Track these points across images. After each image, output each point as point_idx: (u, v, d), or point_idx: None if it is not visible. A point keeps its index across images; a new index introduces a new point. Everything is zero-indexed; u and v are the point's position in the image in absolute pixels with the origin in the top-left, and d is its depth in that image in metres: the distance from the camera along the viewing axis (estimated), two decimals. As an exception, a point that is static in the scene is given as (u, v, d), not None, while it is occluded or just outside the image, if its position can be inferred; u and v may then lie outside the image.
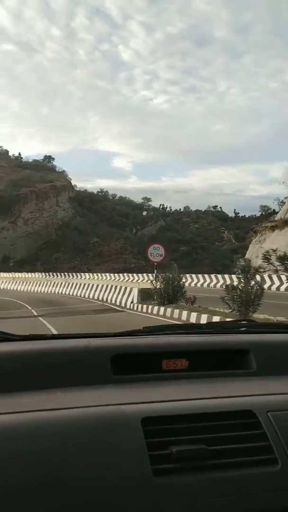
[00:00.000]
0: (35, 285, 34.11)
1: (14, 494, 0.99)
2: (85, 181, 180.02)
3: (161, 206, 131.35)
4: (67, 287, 30.26)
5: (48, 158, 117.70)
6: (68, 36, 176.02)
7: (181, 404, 1.24)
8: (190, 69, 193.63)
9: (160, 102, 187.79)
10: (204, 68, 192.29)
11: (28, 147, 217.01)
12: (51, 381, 1.35)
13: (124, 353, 1.48)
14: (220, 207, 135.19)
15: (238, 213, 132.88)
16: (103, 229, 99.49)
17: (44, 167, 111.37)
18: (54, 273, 51.27)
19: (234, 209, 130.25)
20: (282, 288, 23.74)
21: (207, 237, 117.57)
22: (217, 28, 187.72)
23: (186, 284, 20.47)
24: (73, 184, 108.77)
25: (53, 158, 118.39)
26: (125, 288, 21.98)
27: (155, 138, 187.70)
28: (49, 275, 47.30)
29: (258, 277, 21.49)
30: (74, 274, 48.82)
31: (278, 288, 23.86)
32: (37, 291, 33.06)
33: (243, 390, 1.37)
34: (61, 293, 29.96)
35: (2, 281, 39.68)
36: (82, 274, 49.73)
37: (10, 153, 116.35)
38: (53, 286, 32.37)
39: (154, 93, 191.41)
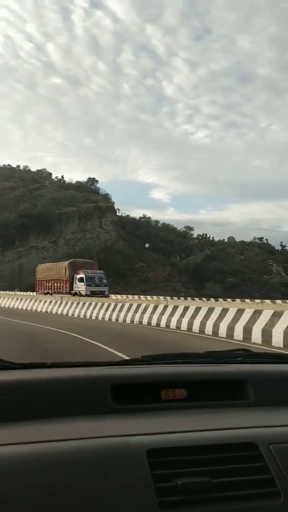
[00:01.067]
0: (91, 308, 21.17)
1: None
2: (124, 210, 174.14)
3: (204, 235, 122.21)
4: (152, 313, 17.11)
5: (92, 180, 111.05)
6: (114, 71, 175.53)
7: (185, 435, 1.23)
8: (232, 105, 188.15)
9: (200, 136, 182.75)
10: (245, 104, 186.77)
11: (70, 175, 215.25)
12: (51, 410, 1.31)
13: (124, 383, 1.46)
14: (266, 239, 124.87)
15: (285, 246, 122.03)
16: (148, 254, 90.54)
17: (87, 189, 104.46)
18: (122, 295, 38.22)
19: (281, 242, 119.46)
20: None
21: (254, 269, 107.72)
22: (260, 66, 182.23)
23: None
24: (115, 208, 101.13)
25: (97, 181, 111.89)
26: None
27: (194, 171, 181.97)
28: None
29: None
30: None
31: None
32: (100, 317, 20.08)
33: (244, 421, 1.36)
34: (147, 323, 17.05)
35: (45, 302, 26.96)
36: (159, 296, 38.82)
37: (53, 176, 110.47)
38: (122, 310, 19.03)
39: (195, 128, 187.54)
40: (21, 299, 30.55)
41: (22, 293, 41.18)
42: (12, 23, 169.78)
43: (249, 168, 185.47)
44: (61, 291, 37.27)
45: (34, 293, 39.68)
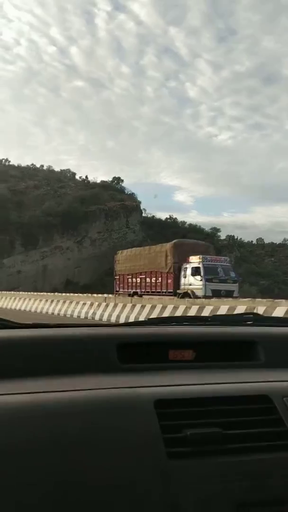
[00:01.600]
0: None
1: (33, 475, 0.94)
2: (147, 213, 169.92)
3: (231, 237, 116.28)
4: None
5: (117, 179, 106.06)
6: (137, 73, 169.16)
7: (194, 388, 1.20)
8: (256, 107, 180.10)
9: (224, 138, 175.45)
10: (270, 106, 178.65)
11: (92, 178, 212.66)
12: (55, 367, 1.27)
13: (129, 342, 1.41)
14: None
15: None
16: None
17: (112, 188, 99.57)
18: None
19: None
20: None
21: (286, 272, 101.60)
22: (285, 67, 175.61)
23: None
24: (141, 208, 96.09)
25: (122, 180, 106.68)
26: None
27: (217, 174, 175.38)
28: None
29: None
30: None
31: None
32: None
33: (256, 377, 1.32)
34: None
35: (84, 304, 20.38)
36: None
37: (77, 177, 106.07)
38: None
39: (219, 130, 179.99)
40: (52, 301, 24.75)
41: (53, 294, 31.12)
42: (36, 28, 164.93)
43: (274, 171, 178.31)
44: (160, 290, 24.08)
45: (109, 295, 24.14)
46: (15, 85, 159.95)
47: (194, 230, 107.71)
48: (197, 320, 1.82)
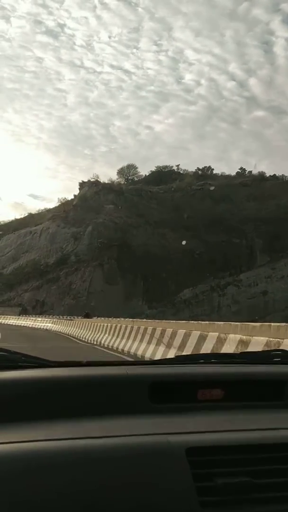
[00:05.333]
0: None
1: None
2: None
3: None
4: None
5: None
6: None
7: (225, 435, 1.15)
8: None
9: None
10: None
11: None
12: (87, 408, 1.24)
13: (161, 382, 1.38)
14: None
15: None
16: None
17: None
18: None
19: None
20: None
21: None
22: None
23: None
24: None
25: None
26: None
27: None
28: None
29: None
30: None
31: None
32: None
33: (285, 422, 1.26)
34: None
35: None
36: None
37: None
38: None
39: None
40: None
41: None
42: (215, 66, 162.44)
43: None
44: None
45: None
46: (197, 124, 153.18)
47: None
48: (225, 357, 1.75)
